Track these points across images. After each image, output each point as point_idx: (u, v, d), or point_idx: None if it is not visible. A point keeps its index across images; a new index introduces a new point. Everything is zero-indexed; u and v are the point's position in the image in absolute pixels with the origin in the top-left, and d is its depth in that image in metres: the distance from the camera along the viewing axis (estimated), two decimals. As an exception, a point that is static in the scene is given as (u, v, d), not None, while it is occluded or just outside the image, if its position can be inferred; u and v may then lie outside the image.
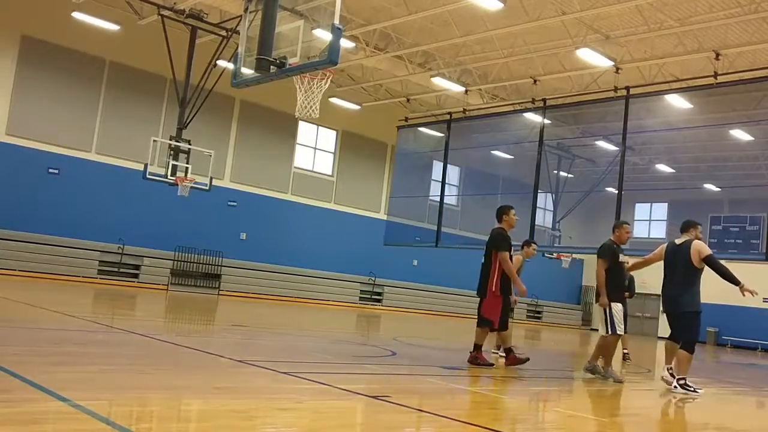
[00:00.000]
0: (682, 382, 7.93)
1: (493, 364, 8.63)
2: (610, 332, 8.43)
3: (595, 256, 8.69)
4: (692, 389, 7.89)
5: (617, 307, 8.43)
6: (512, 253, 8.81)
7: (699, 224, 8.14)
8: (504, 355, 9.18)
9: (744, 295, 7.65)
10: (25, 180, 20.17)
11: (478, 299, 8.81)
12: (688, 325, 7.92)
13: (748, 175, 26.35)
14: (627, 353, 12.68)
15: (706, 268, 7.84)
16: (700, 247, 7.86)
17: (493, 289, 8.53)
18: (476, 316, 8.88)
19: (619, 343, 9.89)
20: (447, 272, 28.85)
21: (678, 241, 8.08)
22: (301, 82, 10.61)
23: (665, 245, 8.28)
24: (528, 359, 8.88)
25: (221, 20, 19.53)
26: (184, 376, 5.58)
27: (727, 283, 7.74)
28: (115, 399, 4.33)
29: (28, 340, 6.86)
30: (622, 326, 8.58)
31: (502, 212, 8.95)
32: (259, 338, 10.23)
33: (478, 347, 8.54)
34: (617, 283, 8.49)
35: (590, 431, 5.39)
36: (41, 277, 19.61)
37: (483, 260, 8.79)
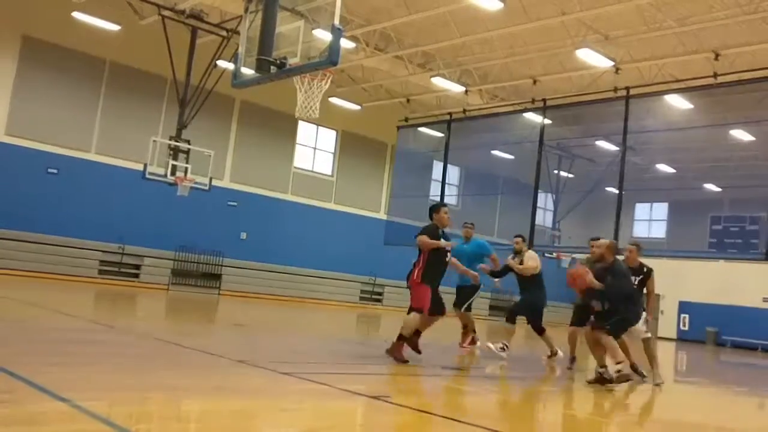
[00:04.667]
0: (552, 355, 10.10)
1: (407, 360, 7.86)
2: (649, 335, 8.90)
3: None
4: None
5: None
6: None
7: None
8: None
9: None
10: (24, 180, 20.15)
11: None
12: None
13: (748, 175, 26.31)
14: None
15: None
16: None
17: None
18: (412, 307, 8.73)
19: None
20: (446, 272, 28.79)
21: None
22: (301, 83, 10.59)
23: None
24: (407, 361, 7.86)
25: (221, 20, 19.53)
26: (184, 376, 5.58)
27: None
28: (115, 399, 4.33)
29: (28, 340, 6.86)
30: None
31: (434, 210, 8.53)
32: (259, 338, 10.23)
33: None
34: None
35: (590, 431, 5.39)
36: (41, 277, 19.60)
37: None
